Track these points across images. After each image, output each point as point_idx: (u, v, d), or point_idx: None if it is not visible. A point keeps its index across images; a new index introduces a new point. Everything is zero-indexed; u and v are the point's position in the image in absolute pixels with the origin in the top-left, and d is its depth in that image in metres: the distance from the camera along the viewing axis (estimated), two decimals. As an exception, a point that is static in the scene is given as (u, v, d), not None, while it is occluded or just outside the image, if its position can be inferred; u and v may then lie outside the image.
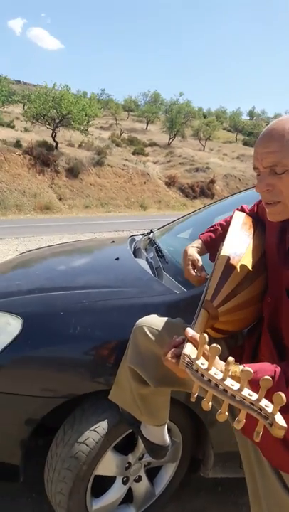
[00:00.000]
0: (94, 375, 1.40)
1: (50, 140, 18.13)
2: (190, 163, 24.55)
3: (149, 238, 2.32)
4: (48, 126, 18.42)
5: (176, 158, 25.42)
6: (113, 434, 1.40)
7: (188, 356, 0.79)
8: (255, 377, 0.68)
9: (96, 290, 1.60)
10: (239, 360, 1.04)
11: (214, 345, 0.71)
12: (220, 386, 0.68)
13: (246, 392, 0.65)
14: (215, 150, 32.16)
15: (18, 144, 16.66)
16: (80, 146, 20.39)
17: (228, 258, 1.03)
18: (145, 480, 1.58)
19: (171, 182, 21.50)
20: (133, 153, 23.56)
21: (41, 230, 9.61)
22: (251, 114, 56.25)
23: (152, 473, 1.64)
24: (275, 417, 0.61)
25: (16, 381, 1.38)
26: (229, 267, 1.03)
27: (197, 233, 1.42)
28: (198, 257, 1.26)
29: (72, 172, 17.42)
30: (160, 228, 2.64)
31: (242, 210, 1.31)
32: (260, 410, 0.63)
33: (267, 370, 0.80)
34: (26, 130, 20.34)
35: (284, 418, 0.62)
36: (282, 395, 0.60)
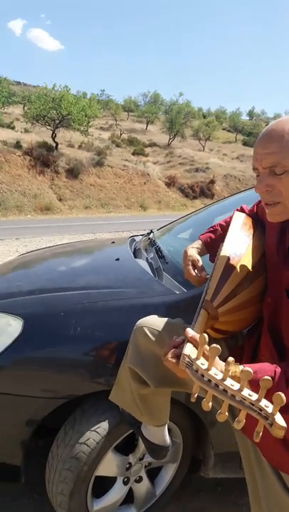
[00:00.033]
0: (94, 375, 1.41)
1: (50, 141, 18.14)
2: (190, 163, 24.56)
3: (149, 239, 2.32)
4: (48, 127, 18.43)
5: (176, 159, 25.43)
6: (114, 435, 1.40)
7: (189, 356, 0.80)
8: (255, 378, 0.68)
9: (96, 291, 1.60)
10: (239, 361, 1.04)
11: (214, 345, 0.71)
12: (220, 386, 0.68)
13: (246, 392, 0.65)
14: (215, 150, 32.17)
15: (18, 145, 16.67)
16: (80, 146, 20.40)
17: (228, 258, 1.04)
18: (146, 480, 1.58)
19: (171, 182, 21.51)
20: (133, 154, 23.57)
21: (41, 231, 9.61)
22: (251, 114, 56.30)
23: (153, 473, 1.64)
24: (275, 417, 0.61)
25: (17, 382, 1.38)
26: (229, 267, 1.03)
27: (197, 233, 1.42)
28: (198, 257, 1.26)
29: (73, 173, 17.42)
30: (160, 229, 2.64)
31: (242, 210, 1.32)
32: (260, 410, 0.63)
33: (267, 370, 0.81)
34: (26, 131, 20.34)
35: (284, 418, 0.62)
36: (282, 395, 0.60)
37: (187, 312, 1.17)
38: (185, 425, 1.56)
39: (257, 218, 1.25)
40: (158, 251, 1.97)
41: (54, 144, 18.03)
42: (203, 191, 21.95)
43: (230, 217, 1.27)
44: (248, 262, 1.05)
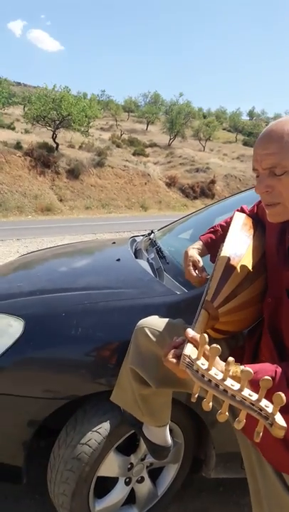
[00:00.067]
0: (95, 376, 1.41)
1: (50, 141, 18.16)
2: (190, 163, 24.56)
3: (150, 239, 2.32)
4: (49, 128, 18.45)
5: (177, 159, 25.43)
6: (115, 435, 1.40)
7: (189, 357, 0.80)
8: (256, 378, 0.68)
9: (97, 291, 1.61)
10: (240, 361, 1.04)
11: (214, 345, 0.71)
12: (220, 386, 0.68)
13: (246, 392, 0.65)
14: (215, 150, 32.18)
15: (18, 146, 16.68)
16: (80, 147, 20.41)
17: (228, 259, 1.04)
18: (147, 481, 1.58)
19: (171, 182, 21.51)
20: (133, 154, 23.57)
21: (42, 232, 9.62)
22: (251, 114, 56.29)
23: (154, 473, 1.64)
24: (275, 417, 0.61)
25: (18, 383, 1.38)
26: (229, 267, 1.03)
27: (198, 234, 1.42)
28: (199, 258, 1.27)
29: (73, 173, 17.43)
30: (161, 229, 2.65)
31: (242, 210, 1.32)
32: (260, 410, 0.63)
33: (267, 370, 0.81)
34: (27, 132, 20.36)
35: (284, 418, 0.62)
36: (282, 395, 0.60)
37: (188, 312, 1.17)
38: (186, 425, 1.56)
39: (257, 218, 1.25)
40: (159, 251, 1.97)
41: (54, 145, 18.04)
42: (204, 191, 21.95)
43: (231, 218, 1.27)
44: (248, 262, 1.05)
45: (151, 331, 1.18)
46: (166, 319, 1.22)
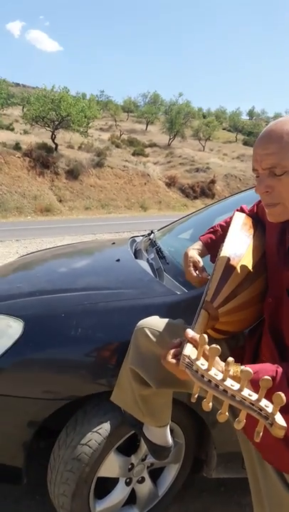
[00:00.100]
0: (95, 376, 1.41)
1: (49, 142, 18.16)
2: (190, 163, 24.57)
3: (150, 239, 2.32)
4: (48, 128, 18.45)
5: (176, 159, 25.44)
6: (116, 436, 1.40)
7: (188, 357, 0.79)
8: (256, 378, 0.68)
9: (97, 292, 1.61)
10: (240, 361, 1.04)
11: (214, 345, 0.71)
12: (220, 386, 0.68)
13: (246, 392, 0.65)
14: (215, 150, 32.19)
15: (17, 147, 16.69)
16: (79, 147, 20.42)
17: (228, 259, 1.04)
18: (148, 481, 1.58)
19: (171, 182, 21.52)
20: (133, 154, 23.58)
21: (42, 232, 9.62)
22: (251, 113, 56.30)
23: (155, 474, 1.64)
24: (275, 417, 0.61)
25: (18, 384, 1.38)
26: (229, 267, 1.03)
27: (198, 234, 1.42)
28: (199, 258, 1.27)
29: (72, 174, 17.44)
30: (161, 229, 2.64)
31: (242, 210, 1.32)
32: (260, 410, 0.63)
33: (268, 370, 0.80)
34: (26, 132, 20.36)
35: (284, 418, 0.62)
36: (282, 395, 0.60)
37: (188, 313, 1.17)
38: (187, 425, 1.56)
39: (257, 218, 1.25)
40: (159, 251, 1.97)
41: (54, 145, 18.05)
42: (204, 191, 21.96)
43: (231, 218, 1.27)
44: (248, 262, 1.05)
45: (151, 331, 1.18)
46: (167, 319, 1.22)
